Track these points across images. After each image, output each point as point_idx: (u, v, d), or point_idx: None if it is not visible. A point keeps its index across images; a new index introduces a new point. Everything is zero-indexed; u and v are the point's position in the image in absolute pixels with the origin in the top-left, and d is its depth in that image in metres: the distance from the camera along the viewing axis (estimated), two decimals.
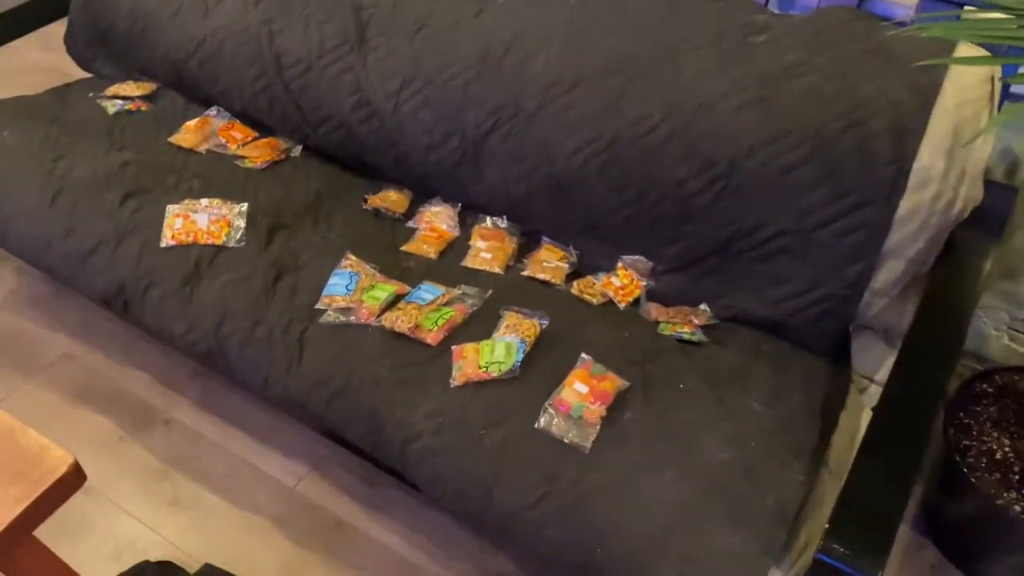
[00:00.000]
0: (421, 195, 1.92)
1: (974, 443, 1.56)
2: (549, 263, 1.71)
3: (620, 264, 1.68)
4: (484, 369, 1.41)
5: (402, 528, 1.70)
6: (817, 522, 1.27)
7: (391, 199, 1.89)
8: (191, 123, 2.04)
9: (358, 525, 1.71)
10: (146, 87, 2.18)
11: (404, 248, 1.76)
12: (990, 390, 1.66)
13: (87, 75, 2.33)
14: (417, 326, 1.49)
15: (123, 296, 1.68)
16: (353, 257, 1.66)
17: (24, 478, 0.95)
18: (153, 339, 2.06)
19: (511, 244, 1.76)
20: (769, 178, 1.46)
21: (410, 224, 1.84)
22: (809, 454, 1.32)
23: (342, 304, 1.55)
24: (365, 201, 1.88)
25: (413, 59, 1.77)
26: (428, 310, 1.52)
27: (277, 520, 1.72)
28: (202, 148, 1.98)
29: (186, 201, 1.76)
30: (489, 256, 1.72)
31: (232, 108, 2.07)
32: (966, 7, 1.49)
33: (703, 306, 1.62)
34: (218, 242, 1.68)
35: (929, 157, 1.37)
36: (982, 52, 1.42)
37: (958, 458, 1.51)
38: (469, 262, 1.72)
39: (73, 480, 0.97)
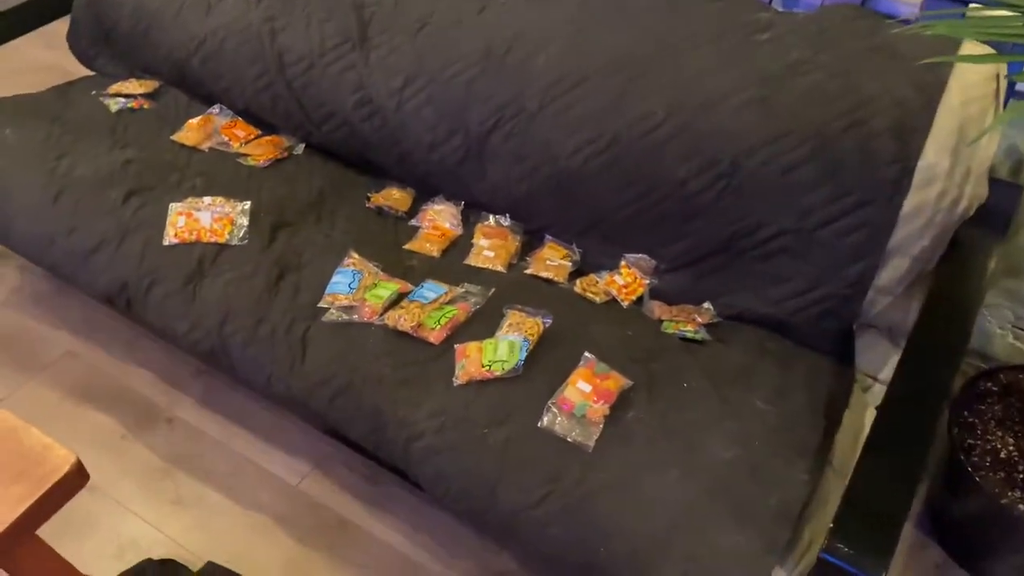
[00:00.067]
0: (424, 193, 1.91)
1: (978, 442, 1.56)
2: (552, 261, 1.71)
3: (623, 262, 1.68)
4: (487, 368, 1.40)
5: (405, 527, 1.70)
6: (821, 521, 1.27)
7: (394, 197, 1.89)
8: (194, 121, 2.04)
9: (361, 524, 1.71)
10: (149, 85, 2.18)
11: (407, 246, 1.76)
12: (994, 389, 1.65)
13: (90, 73, 2.33)
14: (420, 325, 1.48)
15: (126, 294, 1.68)
16: (356, 255, 1.65)
17: (27, 477, 0.95)
18: (156, 337, 2.06)
19: (514, 242, 1.76)
20: (771, 177, 1.45)
21: (413, 222, 1.84)
22: (813, 453, 1.32)
23: (345, 302, 1.55)
24: (368, 199, 1.88)
25: (416, 57, 1.77)
26: (431, 309, 1.52)
27: (280, 518, 1.72)
28: (205, 146, 1.98)
29: (189, 199, 1.75)
30: (492, 254, 1.72)
31: (235, 106, 2.07)
32: (971, 4, 1.49)
33: (706, 304, 1.61)
34: (221, 240, 1.68)
35: (934, 155, 1.37)
36: (987, 50, 1.42)
37: (962, 457, 1.51)
38: (472, 260, 1.72)
39: (76, 479, 0.97)
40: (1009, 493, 1.47)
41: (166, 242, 1.68)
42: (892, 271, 1.44)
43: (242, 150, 1.98)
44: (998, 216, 1.48)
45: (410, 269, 1.68)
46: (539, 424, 1.33)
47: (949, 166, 1.37)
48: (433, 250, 1.74)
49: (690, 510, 1.22)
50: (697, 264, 1.60)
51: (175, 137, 2.00)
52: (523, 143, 1.67)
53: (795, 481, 1.27)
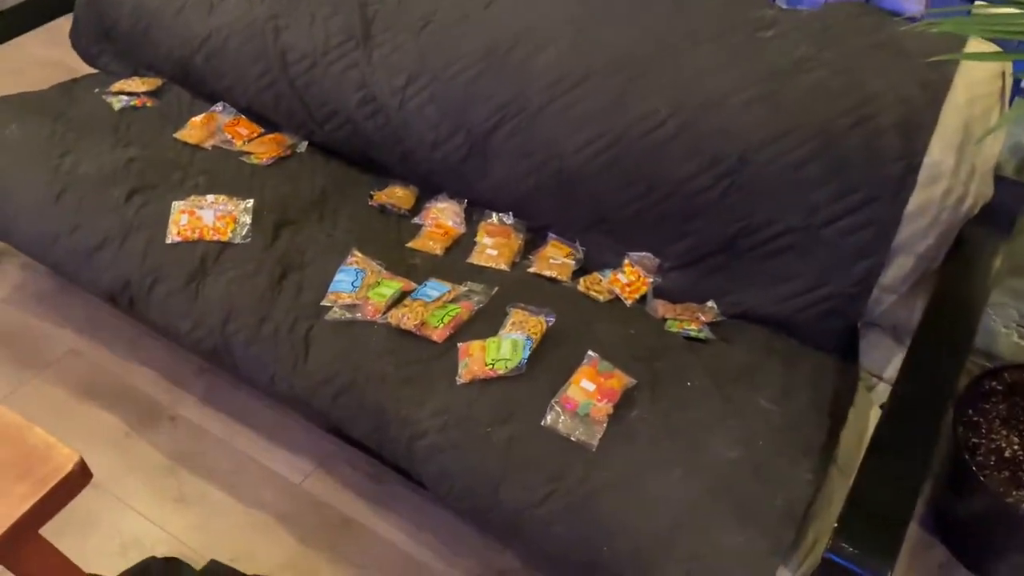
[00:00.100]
0: (427, 191, 1.91)
1: (983, 441, 1.55)
2: (555, 260, 1.70)
3: (627, 261, 1.68)
4: (490, 366, 1.40)
5: (408, 525, 1.70)
6: (826, 521, 1.26)
7: (397, 195, 1.89)
8: (197, 119, 2.04)
9: (364, 522, 1.71)
10: (152, 83, 2.18)
11: (410, 245, 1.76)
12: (999, 388, 1.65)
13: (93, 71, 2.33)
14: (423, 323, 1.48)
15: (129, 292, 1.68)
16: (359, 254, 1.65)
17: (30, 476, 0.95)
18: (159, 336, 2.06)
19: (517, 240, 1.76)
20: (776, 174, 1.45)
21: (416, 220, 1.84)
22: (817, 452, 1.32)
23: (348, 301, 1.55)
24: (371, 197, 1.88)
25: (419, 55, 1.77)
26: (434, 307, 1.52)
27: (283, 517, 1.72)
28: (208, 144, 1.98)
29: (192, 197, 1.75)
30: (495, 253, 1.71)
31: (238, 104, 2.07)
32: (977, 2, 1.48)
33: (710, 303, 1.61)
34: (224, 238, 1.68)
35: (939, 153, 1.36)
36: (993, 48, 1.41)
37: (967, 456, 1.50)
38: (475, 259, 1.71)
39: (79, 478, 0.97)
40: (1014, 492, 1.47)
41: (169, 240, 1.67)
42: (897, 269, 1.44)
43: (245, 148, 1.98)
44: (1003, 215, 1.47)
45: (413, 267, 1.68)
46: (542, 423, 1.33)
47: (954, 164, 1.37)
48: (436, 248, 1.74)
49: (694, 509, 1.22)
50: (701, 262, 1.60)
51: (178, 135, 2.00)
52: (526, 141, 1.66)
53: (799, 480, 1.26)
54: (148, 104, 2.11)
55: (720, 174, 1.49)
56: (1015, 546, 1.50)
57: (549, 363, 1.42)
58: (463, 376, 1.40)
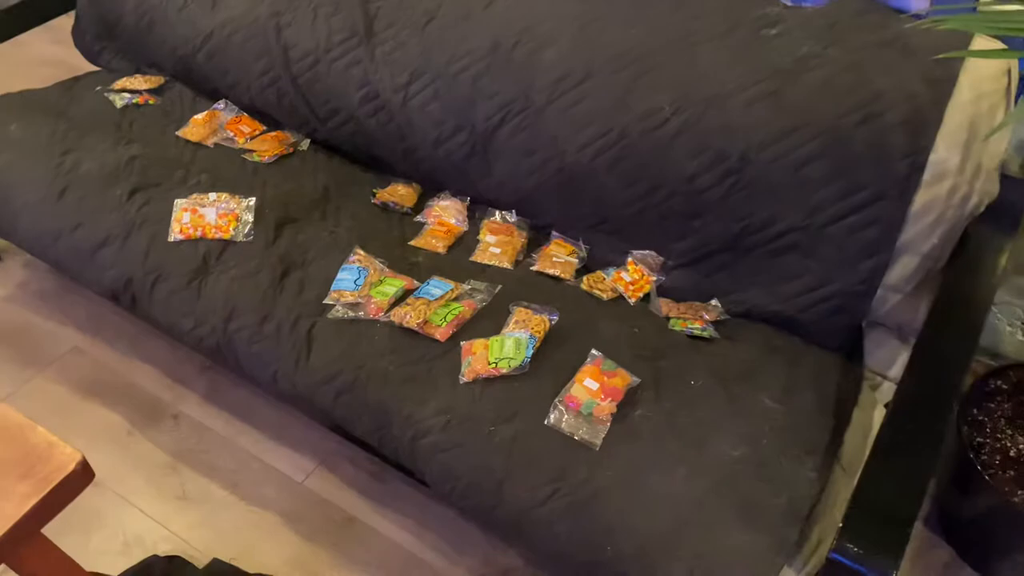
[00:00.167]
0: (430, 189, 1.91)
1: (988, 440, 1.55)
2: (559, 258, 1.70)
3: (630, 259, 1.67)
4: (493, 365, 1.40)
5: (410, 524, 1.70)
6: (830, 520, 1.26)
7: (399, 193, 1.88)
8: (199, 117, 2.04)
9: (366, 520, 1.71)
10: (154, 80, 2.18)
11: (412, 243, 1.75)
12: (1004, 387, 1.64)
13: (95, 69, 2.32)
14: (426, 322, 1.48)
15: (131, 291, 1.68)
16: (361, 252, 1.65)
17: (32, 475, 0.95)
18: (161, 334, 2.06)
19: (520, 239, 1.75)
20: (781, 172, 1.44)
21: (419, 218, 1.83)
22: (822, 451, 1.31)
23: (350, 299, 1.55)
24: (373, 195, 1.87)
25: (422, 52, 1.76)
26: (437, 305, 1.52)
27: (285, 515, 1.72)
28: (210, 142, 1.98)
29: (194, 195, 1.75)
30: (498, 251, 1.71)
31: (240, 101, 2.07)
32: None
33: (714, 301, 1.60)
34: (226, 236, 1.68)
35: (945, 151, 1.35)
36: (999, 45, 1.41)
37: (972, 455, 1.50)
38: (478, 257, 1.71)
39: (81, 478, 0.97)
40: (1019, 492, 1.46)
41: (171, 238, 1.67)
42: (902, 268, 1.43)
43: (247, 146, 1.98)
44: (1009, 213, 1.46)
45: (416, 266, 1.68)
46: (546, 422, 1.33)
47: (960, 162, 1.36)
48: (439, 246, 1.74)
49: (697, 509, 1.22)
50: (705, 261, 1.59)
51: (180, 133, 1.99)
52: (530, 138, 1.66)
53: (804, 480, 1.26)
54: (150, 102, 2.11)
55: (724, 172, 1.48)
56: (1020, 545, 1.49)
57: (552, 362, 1.42)
58: (466, 375, 1.40)
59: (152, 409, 1.92)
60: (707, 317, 1.57)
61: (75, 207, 1.74)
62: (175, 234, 1.68)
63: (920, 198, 1.38)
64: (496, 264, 1.69)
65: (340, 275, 1.59)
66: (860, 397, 1.45)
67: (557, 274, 1.66)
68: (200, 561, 1.63)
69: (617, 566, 1.21)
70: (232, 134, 2.01)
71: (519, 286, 1.60)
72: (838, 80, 1.42)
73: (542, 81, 1.63)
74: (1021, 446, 1.53)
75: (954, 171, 1.36)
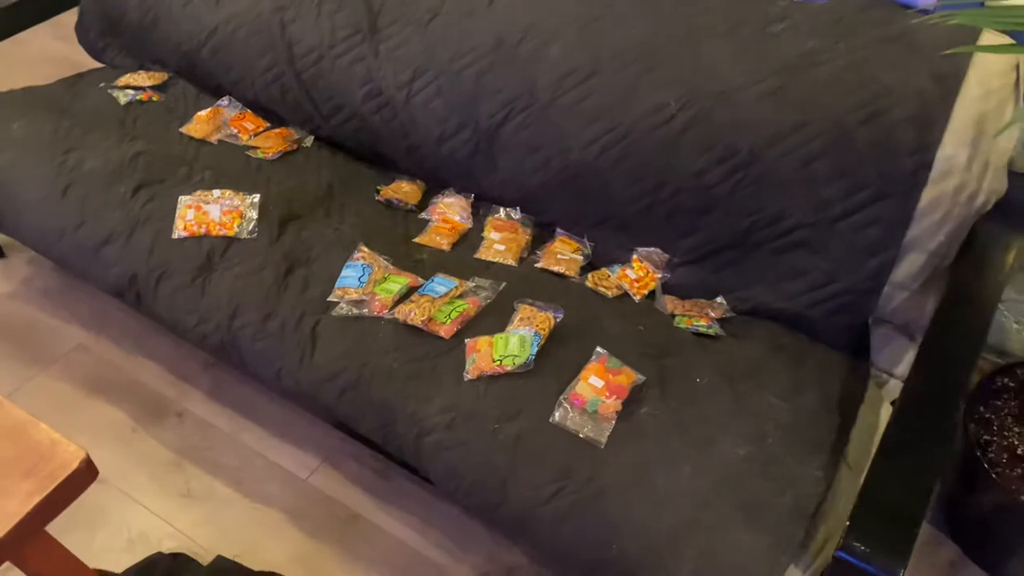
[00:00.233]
0: (434, 186, 1.90)
1: (995, 438, 1.54)
2: (563, 255, 1.69)
3: (635, 256, 1.67)
4: (498, 362, 1.39)
5: (414, 521, 1.70)
6: (836, 519, 1.25)
7: (404, 190, 1.88)
8: (202, 113, 2.03)
9: (370, 518, 1.70)
10: (158, 77, 2.18)
11: (417, 240, 1.75)
12: (1011, 385, 1.63)
13: (98, 65, 2.32)
14: (430, 319, 1.47)
15: (135, 288, 1.68)
16: (365, 249, 1.64)
17: (36, 473, 0.95)
18: (165, 331, 2.05)
19: (525, 236, 1.75)
20: (788, 169, 1.44)
21: (423, 216, 1.83)
22: (828, 449, 1.31)
23: (355, 296, 1.54)
24: (377, 192, 1.87)
25: (426, 48, 1.76)
26: (441, 303, 1.51)
27: (289, 512, 1.71)
28: (214, 138, 1.98)
29: (198, 192, 1.75)
30: (503, 248, 1.71)
31: (244, 98, 2.06)
32: None
33: (719, 299, 1.60)
34: (230, 233, 1.67)
35: (952, 147, 1.35)
36: (1007, 40, 1.39)
37: (978, 453, 1.49)
38: (482, 254, 1.70)
39: (85, 475, 0.97)
40: None
41: (175, 235, 1.67)
42: (909, 266, 1.43)
43: (251, 143, 1.98)
44: (1017, 210, 1.45)
45: (420, 263, 1.67)
46: (551, 419, 1.32)
47: (967, 159, 1.35)
48: (443, 244, 1.73)
49: (703, 507, 1.21)
50: (711, 258, 1.59)
51: (184, 129, 1.99)
52: (535, 135, 1.65)
53: (810, 478, 1.25)
54: (154, 98, 2.11)
55: (731, 169, 1.48)
56: None
57: (557, 359, 1.41)
58: (470, 372, 1.40)
59: (156, 406, 1.92)
60: (713, 315, 1.56)
61: (79, 204, 1.74)
62: (179, 231, 1.67)
63: (927, 195, 1.37)
64: (500, 261, 1.68)
65: (344, 272, 1.59)
66: (866, 395, 1.44)
67: (562, 271, 1.66)
68: (204, 558, 1.63)
69: (622, 564, 1.21)
70: (236, 131, 2.00)
71: (523, 283, 1.60)
72: (845, 76, 1.41)
73: (547, 77, 1.63)
74: None
75: (961, 168, 1.35)
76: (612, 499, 1.24)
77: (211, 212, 1.70)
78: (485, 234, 1.75)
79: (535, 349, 1.41)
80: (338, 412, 1.50)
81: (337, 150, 2.00)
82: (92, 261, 1.71)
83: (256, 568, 1.61)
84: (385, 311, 1.51)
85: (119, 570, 1.60)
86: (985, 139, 1.35)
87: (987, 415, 1.58)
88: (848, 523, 0.99)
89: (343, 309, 1.53)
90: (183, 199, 1.72)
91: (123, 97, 2.08)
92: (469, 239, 1.76)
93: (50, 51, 3.06)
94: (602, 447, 1.28)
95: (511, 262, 1.68)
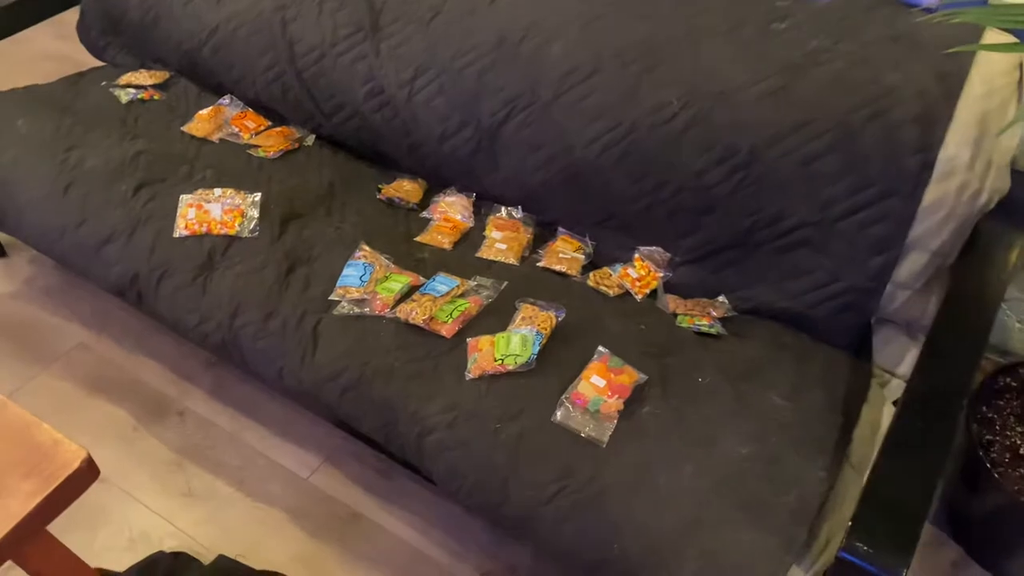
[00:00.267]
0: (435, 185, 1.90)
1: (997, 438, 1.54)
2: (565, 254, 1.69)
3: (637, 255, 1.66)
4: (500, 362, 1.39)
5: (416, 520, 1.69)
6: (839, 519, 1.25)
7: (405, 189, 1.88)
8: (204, 112, 2.03)
9: (372, 517, 1.70)
10: (159, 75, 2.17)
11: (418, 239, 1.75)
12: (1013, 384, 1.63)
13: (100, 64, 2.32)
14: (432, 318, 1.47)
15: (136, 286, 1.67)
16: (367, 248, 1.64)
17: (37, 473, 0.95)
18: (167, 330, 2.05)
19: (526, 235, 1.74)
20: (791, 168, 1.43)
21: (424, 214, 1.83)
22: (830, 449, 1.30)
23: (356, 295, 1.54)
24: (379, 191, 1.87)
25: (427, 47, 1.75)
26: (443, 302, 1.51)
27: (291, 511, 1.71)
28: (215, 137, 1.97)
29: (199, 191, 1.74)
30: (504, 247, 1.70)
31: (245, 96, 2.06)
32: None
33: (721, 298, 1.60)
34: (231, 232, 1.67)
35: (955, 146, 1.34)
36: (1011, 39, 1.39)
37: (981, 453, 1.49)
38: (484, 253, 1.70)
39: (86, 475, 0.97)
40: None
41: (176, 234, 1.67)
42: (911, 265, 1.42)
43: (252, 141, 1.97)
44: (1019, 209, 1.45)
45: (421, 262, 1.67)
46: (552, 419, 1.32)
47: (970, 158, 1.35)
48: (444, 242, 1.73)
49: (705, 506, 1.21)
50: (713, 257, 1.58)
51: (185, 128, 1.99)
52: (537, 133, 1.65)
53: (812, 478, 1.25)
54: (155, 97, 2.11)
55: (733, 167, 1.47)
56: None
57: (559, 358, 1.41)
58: (472, 371, 1.39)
59: (157, 405, 1.91)
60: (714, 314, 1.56)
61: (80, 203, 1.74)
62: (180, 230, 1.67)
63: (930, 194, 1.37)
64: (502, 260, 1.68)
65: (346, 271, 1.59)
66: (869, 394, 1.44)
67: (563, 270, 1.65)
68: (206, 557, 1.63)
69: (624, 564, 1.21)
70: (237, 129, 2.00)
71: (525, 282, 1.60)
72: (848, 75, 1.41)
73: (549, 76, 1.62)
74: None
75: (964, 167, 1.35)
76: (614, 498, 1.24)
77: (212, 211, 1.70)
78: (487, 233, 1.75)
79: (537, 348, 1.40)
80: (340, 411, 1.50)
81: (338, 149, 2.00)
82: (93, 260, 1.71)
83: (258, 567, 1.61)
84: (387, 310, 1.51)
85: (120, 569, 1.60)
86: (988, 138, 1.34)
87: (989, 415, 1.57)
88: (851, 523, 0.99)
89: (344, 308, 1.53)
90: (184, 198, 1.72)
91: (124, 96, 2.08)
92: (471, 238, 1.76)
93: (51, 50, 3.06)
94: (604, 446, 1.28)
95: (513, 261, 1.68)
